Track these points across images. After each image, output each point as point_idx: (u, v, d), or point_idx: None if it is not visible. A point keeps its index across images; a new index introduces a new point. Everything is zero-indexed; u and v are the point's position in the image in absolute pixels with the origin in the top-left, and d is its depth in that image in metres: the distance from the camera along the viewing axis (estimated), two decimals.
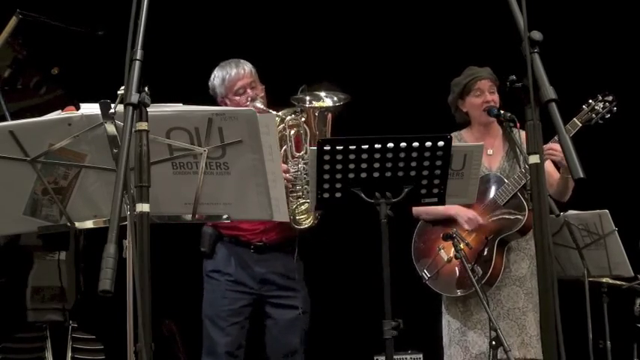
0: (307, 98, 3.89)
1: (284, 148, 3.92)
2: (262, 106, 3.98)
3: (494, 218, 4.08)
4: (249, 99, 4.04)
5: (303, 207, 3.96)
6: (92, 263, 4.16)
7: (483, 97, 4.15)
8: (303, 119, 3.90)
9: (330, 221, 4.14)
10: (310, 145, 3.88)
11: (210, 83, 4.15)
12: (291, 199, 3.92)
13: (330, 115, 3.91)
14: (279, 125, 3.92)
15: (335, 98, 3.91)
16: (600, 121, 4.07)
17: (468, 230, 4.07)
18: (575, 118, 4.04)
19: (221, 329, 4.03)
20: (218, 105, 4.08)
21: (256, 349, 4.20)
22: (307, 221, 3.99)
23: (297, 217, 3.99)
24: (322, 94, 3.92)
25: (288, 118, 3.92)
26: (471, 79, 4.18)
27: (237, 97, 4.06)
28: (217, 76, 4.12)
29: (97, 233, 2.61)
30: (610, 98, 4.08)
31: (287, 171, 3.89)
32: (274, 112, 3.92)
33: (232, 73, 4.08)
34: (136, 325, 2.22)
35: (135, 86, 2.24)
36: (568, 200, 4.26)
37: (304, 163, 3.89)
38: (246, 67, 4.11)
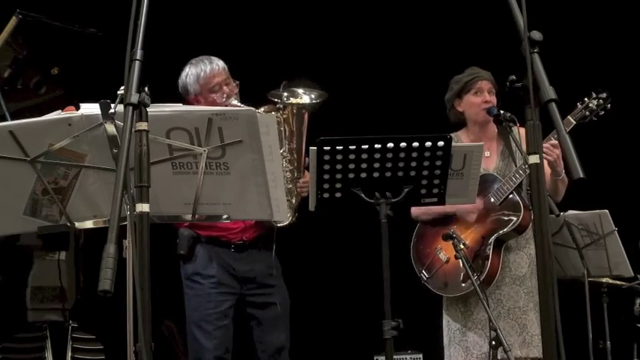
0: (284, 94, 3.83)
1: None
2: (239, 103, 3.93)
3: (491, 218, 4.08)
4: (225, 96, 3.97)
5: None
6: (92, 263, 4.15)
7: (483, 97, 4.15)
8: (284, 116, 3.85)
9: (330, 221, 4.14)
10: (289, 143, 3.86)
11: (181, 81, 4.05)
12: None
13: (306, 113, 3.86)
14: None
15: (312, 95, 3.87)
16: (594, 119, 4.07)
17: (470, 222, 4.06)
18: (569, 116, 4.04)
19: (208, 333, 3.94)
20: (189, 104, 3.99)
21: (240, 350, 4.17)
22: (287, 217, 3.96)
23: None
24: (300, 90, 3.86)
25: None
26: (472, 77, 4.18)
27: (213, 95, 3.98)
28: (191, 74, 4.02)
29: (97, 233, 2.61)
30: (604, 96, 4.09)
31: None
32: (253, 109, 3.86)
33: (207, 70, 3.99)
34: (136, 325, 2.22)
35: (135, 86, 2.24)
36: (568, 200, 4.26)
37: (283, 160, 3.83)
38: (220, 64, 4.03)
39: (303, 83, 3.89)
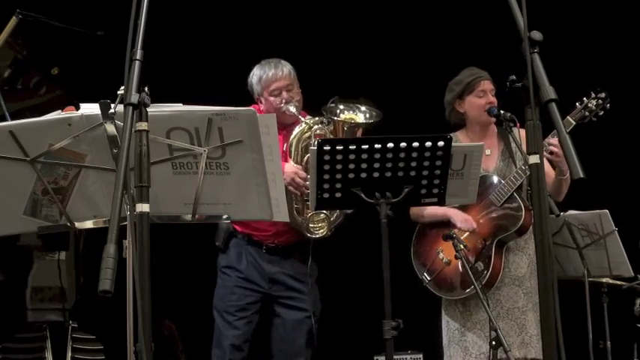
0: (339, 108, 3.87)
1: (307, 156, 3.91)
2: (294, 111, 3.99)
3: (492, 219, 4.08)
4: (283, 101, 4.04)
5: (321, 216, 3.96)
6: (92, 263, 4.16)
7: (486, 99, 4.13)
8: (330, 129, 3.89)
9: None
10: None
11: (248, 80, 4.17)
12: (307, 207, 3.94)
13: (360, 131, 3.89)
14: (305, 133, 3.93)
15: (367, 115, 3.90)
16: (594, 119, 4.08)
17: (463, 230, 4.06)
18: (568, 117, 4.04)
19: (228, 323, 4.09)
20: (255, 102, 4.13)
21: (263, 344, 4.22)
22: (321, 231, 4.01)
23: (311, 226, 3.99)
24: (361, 107, 3.90)
25: (315, 127, 3.91)
26: (475, 78, 4.17)
27: (272, 98, 4.07)
28: (255, 74, 4.13)
29: (97, 233, 2.61)
30: (603, 95, 4.08)
31: (306, 179, 3.89)
32: (304, 119, 3.92)
33: (269, 74, 4.08)
34: (136, 325, 2.22)
35: (135, 86, 2.24)
36: (568, 200, 4.26)
37: None
38: (285, 69, 4.10)
39: (364, 101, 3.91)
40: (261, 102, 4.12)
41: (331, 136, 3.87)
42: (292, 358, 4.14)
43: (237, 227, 4.13)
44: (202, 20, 5.99)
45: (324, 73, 5.56)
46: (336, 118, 3.86)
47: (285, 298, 4.15)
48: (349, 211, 4.01)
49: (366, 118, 3.90)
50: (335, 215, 4.00)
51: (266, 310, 4.17)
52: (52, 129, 2.68)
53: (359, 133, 3.88)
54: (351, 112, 3.89)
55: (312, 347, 4.17)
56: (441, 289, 4.14)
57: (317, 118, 3.93)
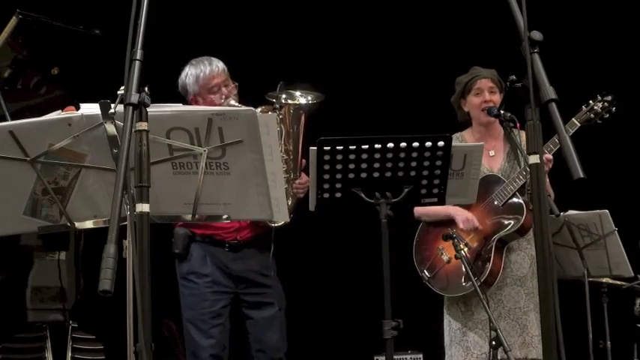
0: (283, 96, 3.86)
1: None
2: (236, 104, 3.95)
3: (493, 219, 4.08)
4: (224, 97, 4.01)
5: None
6: (92, 263, 4.15)
7: (482, 97, 4.15)
8: (280, 117, 3.87)
9: (330, 221, 4.14)
10: (285, 143, 3.88)
11: (180, 81, 4.10)
12: None
13: (303, 115, 3.89)
14: None
15: (309, 97, 3.90)
16: (599, 122, 4.07)
17: (464, 230, 4.06)
18: (573, 119, 4.05)
19: (204, 332, 3.99)
20: (189, 103, 4.05)
21: (238, 350, 4.19)
22: None
23: None
24: (297, 93, 3.90)
25: None
26: (472, 77, 4.19)
27: (212, 96, 4.02)
28: (190, 74, 4.07)
29: (97, 233, 2.61)
30: (609, 98, 4.09)
31: None
32: (253, 109, 3.88)
33: (207, 71, 4.03)
34: (136, 325, 2.22)
35: (135, 86, 2.24)
36: (568, 200, 4.25)
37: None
38: (219, 65, 4.07)
39: (301, 85, 3.92)
40: (197, 102, 4.04)
41: (280, 124, 3.85)
42: (273, 355, 4.09)
43: (197, 230, 4.04)
44: (202, 20, 5.99)
45: (326, 74, 5.57)
46: (283, 102, 3.84)
47: (253, 295, 4.08)
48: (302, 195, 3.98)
49: (307, 100, 3.89)
50: (290, 201, 3.95)
51: (235, 315, 4.10)
52: (52, 129, 2.68)
53: (303, 117, 3.88)
54: (294, 97, 3.88)
55: (285, 337, 4.13)
56: (440, 286, 4.14)
57: (264, 107, 3.87)
